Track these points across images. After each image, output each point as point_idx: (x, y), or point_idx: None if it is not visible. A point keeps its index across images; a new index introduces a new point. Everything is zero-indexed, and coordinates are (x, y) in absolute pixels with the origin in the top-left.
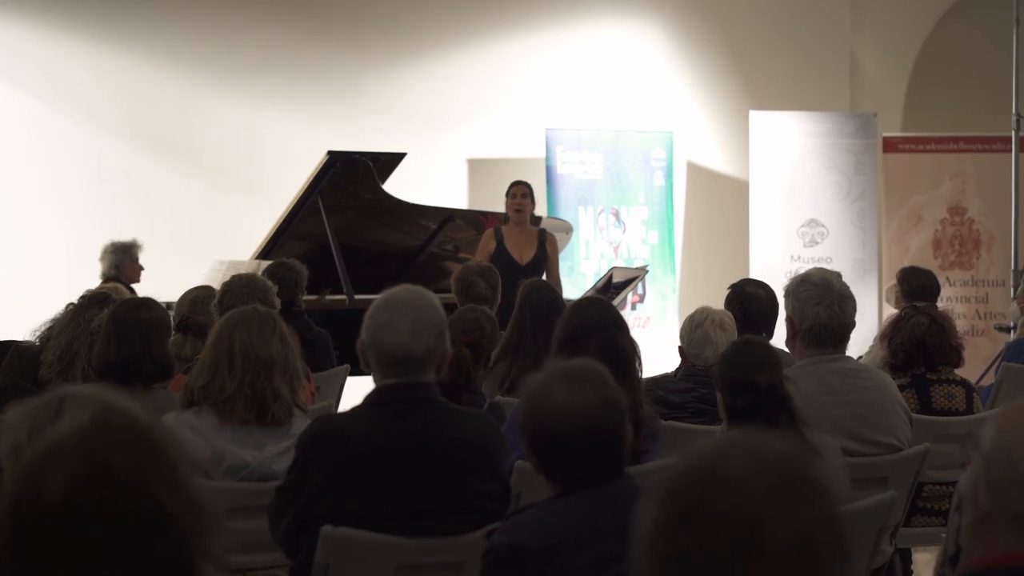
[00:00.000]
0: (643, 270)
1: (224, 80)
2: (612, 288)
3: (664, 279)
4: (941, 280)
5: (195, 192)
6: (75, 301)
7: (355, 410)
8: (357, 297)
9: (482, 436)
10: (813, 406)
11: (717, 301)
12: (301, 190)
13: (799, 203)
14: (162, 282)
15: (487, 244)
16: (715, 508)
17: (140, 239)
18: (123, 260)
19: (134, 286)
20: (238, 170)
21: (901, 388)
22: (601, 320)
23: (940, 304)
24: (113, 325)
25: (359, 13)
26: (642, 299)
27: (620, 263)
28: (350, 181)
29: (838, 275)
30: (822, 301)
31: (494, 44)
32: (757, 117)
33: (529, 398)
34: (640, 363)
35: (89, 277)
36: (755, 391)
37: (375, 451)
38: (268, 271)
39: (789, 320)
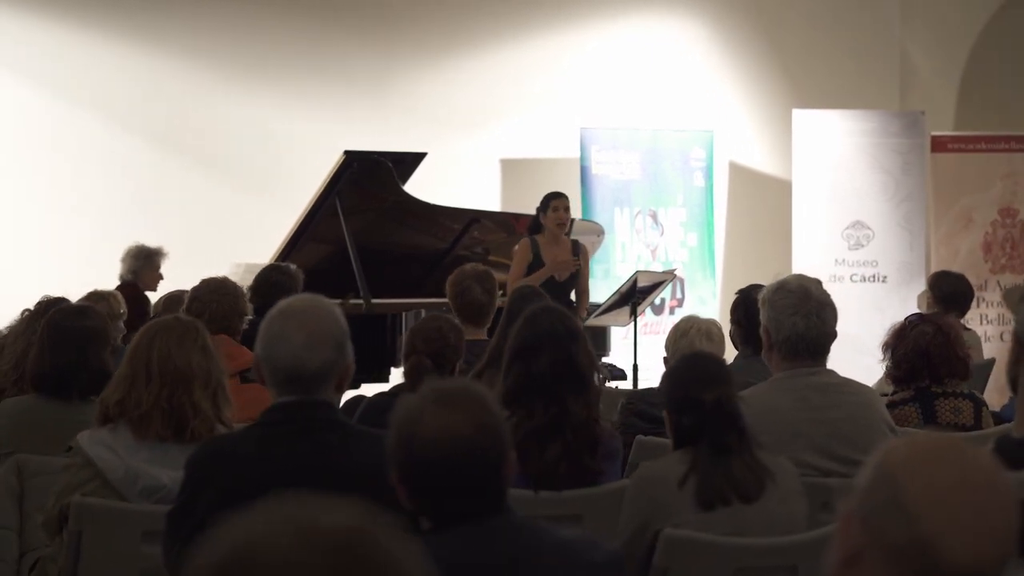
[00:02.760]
0: (671, 274)
1: (247, 78)
2: (638, 293)
3: (704, 283)
4: (992, 284)
5: (216, 192)
6: (31, 307)
7: (247, 430)
8: (381, 302)
9: (384, 459)
10: (789, 423)
11: None
12: (318, 191)
13: (844, 204)
14: (180, 284)
15: (525, 256)
16: None
17: (162, 242)
18: (143, 267)
19: (150, 294)
20: (260, 170)
21: (904, 402)
22: (554, 331)
23: (991, 310)
24: (48, 333)
25: (387, 9)
26: (681, 303)
27: (657, 266)
28: (371, 182)
29: (818, 282)
30: (799, 310)
31: (527, 40)
32: (800, 115)
33: (398, 424)
34: (600, 376)
35: (106, 277)
36: (701, 409)
37: (265, 475)
38: (260, 275)
39: (764, 331)
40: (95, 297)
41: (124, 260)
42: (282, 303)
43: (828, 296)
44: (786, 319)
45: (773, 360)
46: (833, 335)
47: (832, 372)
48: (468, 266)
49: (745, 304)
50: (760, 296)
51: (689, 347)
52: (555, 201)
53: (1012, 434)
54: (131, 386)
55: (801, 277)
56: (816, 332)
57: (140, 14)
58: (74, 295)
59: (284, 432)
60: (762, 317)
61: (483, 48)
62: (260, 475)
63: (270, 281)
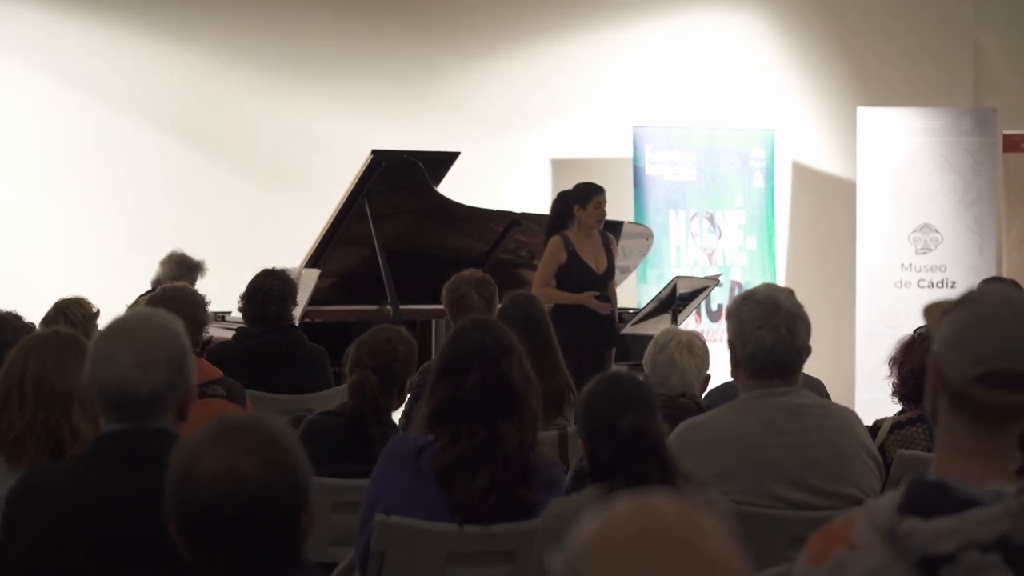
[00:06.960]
0: (714, 280)
1: (285, 75)
2: (678, 300)
3: None
4: None
5: (251, 193)
6: None
7: (73, 461)
8: (410, 308)
9: None
10: (755, 449)
11: (820, 312)
12: (347, 192)
13: (911, 206)
14: (210, 288)
15: (557, 254)
16: None
17: (192, 243)
18: (182, 278)
19: None
20: (298, 171)
21: (910, 422)
22: (483, 346)
23: None
24: None
25: (432, 5)
26: None
27: (714, 271)
28: (407, 182)
29: (790, 292)
30: (766, 323)
31: (578, 35)
32: (865, 113)
33: (172, 464)
34: (537, 395)
35: (137, 278)
36: (617, 438)
37: (89, 514)
38: (253, 281)
39: (730, 345)
40: (62, 306)
41: (164, 264)
42: (114, 319)
43: (800, 308)
44: (752, 333)
45: (739, 378)
46: (806, 351)
47: (805, 392)
48: (466, 272)
49: None
50: (727, 308)
51: (669, 362)
52: (598, 196)
53: (927, 476)
54: (3, 408)
55: (771, 287)
56: (784, 347)
57: (172, 12)
58: (103, 297)
59: (114, 465)
60: (727, 331)
61: (532, 44)
62: (81, 513)
63: (264, 287)
